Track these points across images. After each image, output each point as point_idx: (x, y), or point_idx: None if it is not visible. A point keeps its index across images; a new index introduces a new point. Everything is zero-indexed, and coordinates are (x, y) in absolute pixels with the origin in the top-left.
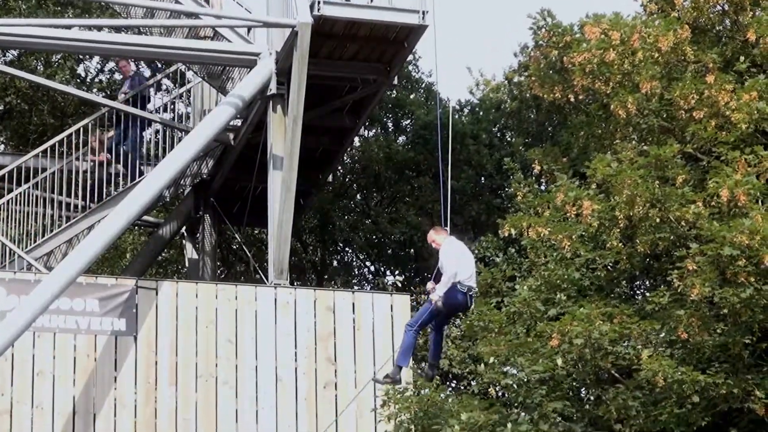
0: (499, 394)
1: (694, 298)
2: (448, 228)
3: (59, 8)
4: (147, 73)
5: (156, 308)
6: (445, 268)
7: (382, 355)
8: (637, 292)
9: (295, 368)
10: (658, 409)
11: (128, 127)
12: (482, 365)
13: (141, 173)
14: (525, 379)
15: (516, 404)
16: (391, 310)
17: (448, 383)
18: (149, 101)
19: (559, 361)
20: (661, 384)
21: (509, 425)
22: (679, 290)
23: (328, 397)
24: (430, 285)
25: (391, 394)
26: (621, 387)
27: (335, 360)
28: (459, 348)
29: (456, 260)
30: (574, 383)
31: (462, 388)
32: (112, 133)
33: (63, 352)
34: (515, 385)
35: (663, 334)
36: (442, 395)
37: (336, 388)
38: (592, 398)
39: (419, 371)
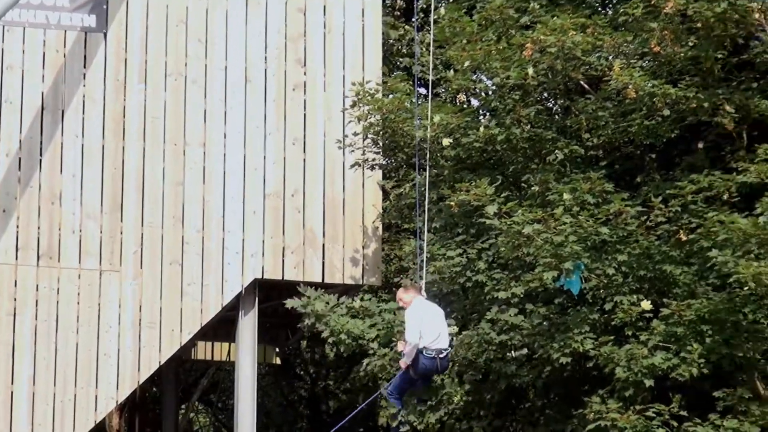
0: (467, 101)
1: (668, 10)
2: (423, 281)
3: None
4: None
5: (126, 5)
6: (406, 336)
7: (352, 57)
8: (610, 2)
9: (265, 69)
10: (628, 120)
11: None
12: (452, 71)
13: None
14: (499, 85)
15: (485, 111)
16: (363, 15)
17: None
18: None
19: (531, 71)
20: (632, 96)
21: (482, 128)
22: (652, 2)
23: (297, 99)
24: (401, 346)
25: (361, 95)
26: (591, 98)
27: (305, 62)
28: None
29: (418, 325)
30: (545, 94)
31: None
32: None
33: (32, 47)
34: (487, 92)
35: (635, 46)
36: (412, 100)
37: (305, 90)
38: (561, 110)
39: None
